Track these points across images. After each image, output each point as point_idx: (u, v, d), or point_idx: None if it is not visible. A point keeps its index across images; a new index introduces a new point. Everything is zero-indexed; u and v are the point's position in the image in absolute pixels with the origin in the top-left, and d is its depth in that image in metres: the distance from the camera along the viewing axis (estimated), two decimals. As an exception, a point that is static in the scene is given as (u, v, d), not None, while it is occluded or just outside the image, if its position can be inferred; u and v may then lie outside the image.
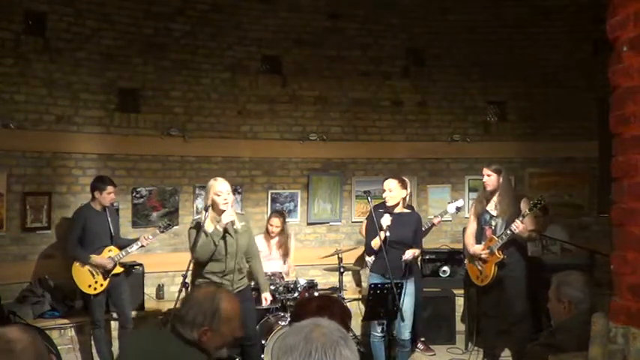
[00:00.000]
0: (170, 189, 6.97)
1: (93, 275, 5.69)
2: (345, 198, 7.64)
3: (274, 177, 7.45)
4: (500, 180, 5.47)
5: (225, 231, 4.78)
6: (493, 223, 5.50)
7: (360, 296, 6.94)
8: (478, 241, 5.59)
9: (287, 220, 6.83)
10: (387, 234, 5.05)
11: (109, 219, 5.84)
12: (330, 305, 2.70)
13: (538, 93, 7.81)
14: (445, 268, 7.04)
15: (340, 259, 6.15)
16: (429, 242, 6.98)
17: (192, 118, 7.11)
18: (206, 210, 4.75)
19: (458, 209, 6.65)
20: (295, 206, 7.47)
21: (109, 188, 5.77)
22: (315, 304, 2.71)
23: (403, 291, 4.90)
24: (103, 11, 6.56)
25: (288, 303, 5.82)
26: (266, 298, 5.25)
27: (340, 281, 6.19)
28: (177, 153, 7.02)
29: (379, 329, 5.14)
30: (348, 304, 6.52)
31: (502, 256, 5.36)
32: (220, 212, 4.78)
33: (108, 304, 5.91)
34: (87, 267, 5.68)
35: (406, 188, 5.37)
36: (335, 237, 7.53)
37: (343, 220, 7.64)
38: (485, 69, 7.77)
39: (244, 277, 5.01)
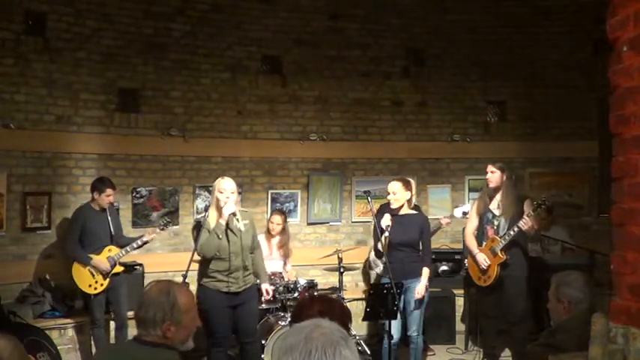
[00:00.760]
0: (170, 189, 6.97)
1: (93, 275, 5.69)
2: (345, 198, 7.64)
3: (274, 177, 7.45)
4: (504, 178, 5.48)
5: (228, 225, 4.78)
6: (495, 222, 5.49)
7: (364, 295, 6.98)
8: (479, 241, 5.58)
9: (287, 220, 6.82)
10: (387, 234, 5.05)
11: (109, 218, 5.85)
12: (330, 309, 2.70)
13: (538, 93, 7.81)
14: (445, 268, 7.04)
15: (340, 259, 6.15)
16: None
17: (192, 118, 7.11)
18: (208, 208, 4.79)
19: (465, 214, 6.60)
20: (295, 206, 7.47)
21: (108, 191, 5.78)
22: (316, 309, 2.71)
23: (407, 289, 4.93)
24: (103, 11, 6.56)
25: (288, 303, 5.82)
26: (267, 289, 5.22)
27: (340, 281, 6.20)
28: (177, 153, 7.02)
29: (392, 337, 5.04)
30: (348, 304, 6.53)
31: (505, 257, 5.35)
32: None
33: (108, 304, 5.91)
34: (87, 267, 5.69)
35: (410, 190, 5.36)
36: (335, 237, 7.53)
37: (343, 220, 7.65)
38: (485, 69, 7.77)
39: (250, 275, 5.02)
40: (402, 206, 5.29)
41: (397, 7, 7.52)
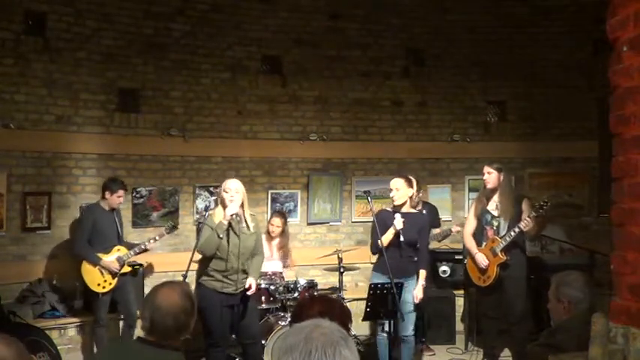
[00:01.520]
0: (170, 189, 6.97)
1: (102, 274, 5.73)
2: (345, 198, 7.64)
3: (274, 177, 7.45)
4: (501, 178, 5.48)
5: (230, 225, 4.79)
6: (495, 223, 5.49)
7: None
8: (478, 242, 5.59)
9: (287, 221, 6.82)
10: (402, 238, 5.05)
11: (116, 219, 5.92)
12: (330, 309, 2.71)
13: (538, 93, 7.81)
14: (445, 268, 7.04)
15: (340, 259, 6.15)
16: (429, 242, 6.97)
17: (192, 118, 7.11)
18: (214, 206, 4.80)
19: None
20: (295, 206, 7.47)
21: (120, 192, 5.85)
22: (316, 309, 2.71)
23: (404, 289, 4.92)
24: (103, 11, 6.56)
25: (288, 303, 5.82)
26: (251, 284, 4.91)
27: (340, 281, 6.20)
28: (177, 153, 7.02)
29: (385, 329, 5.11)
30: (348, 304, 6.53)
31: (505, 258, 5.35)
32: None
33: (112, 304, 5.92)
34: (97, 266, 5.72)
35: (412, 187, 5.35)
36: (335, 237, 7.53)
37: (343, 220, 7.65)
38: (485, 69, 7.77)
39: (248, 278, 5.01)
40: (404, 204, 5.28)
41: (397, 7, 7.52)
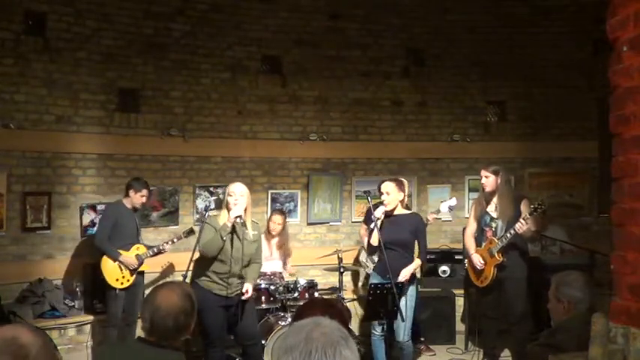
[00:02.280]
0: (170, 189, 6.97)
1: (121, 270, 5.80)
2: (345, 198, 7.64)
3: (274, 177, 7.45)
4: (499, 181, 5.46)
5: (234, 228, 4.79)
6: (493, 224, 5.49)
7: (356, 296, 7.00)
8: (478, 242, 5.59)
9: (287, 220, 6.82)
10: (373, 226, 5.03)
11: (136, 219, 6.03)
12: (331, 310, 2.72)
13: (538, 93, 7.81)
14: (445, 268, 7.03)
15: (340, 259, 6.16)
16: (429, 242, 6.95)
17: (192, 118, 7.11)
18: (207, 208, 4.79)
19: (451, 208, 6.45)
20: (295, 206, 7.47)
21: (144, 191, 5.95)
22: (318, 312, 2.73)
23: (402, 291, 4.91)
24: (103, 11, 6.56)
25: (288, 303, 5.82)
26: (247, 289, 4.96)
27: (340, 281, 6.20)
28: (177, 153, 7.02)
29: (379, 328, 5.14)
30: (347, 304, 6.54)
31: (501, 259, 5.35)
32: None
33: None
34: (116, 261, 5.78)
35: (404, 190, 5.32)
36: (335, 237, 7.53)
37: (343, 220, 7.64)
38: (485, 69, 7.77)
39: (242, 284, 5.00)
40: (396, 207, 5.28)
41: (397, 7, 7.52)
